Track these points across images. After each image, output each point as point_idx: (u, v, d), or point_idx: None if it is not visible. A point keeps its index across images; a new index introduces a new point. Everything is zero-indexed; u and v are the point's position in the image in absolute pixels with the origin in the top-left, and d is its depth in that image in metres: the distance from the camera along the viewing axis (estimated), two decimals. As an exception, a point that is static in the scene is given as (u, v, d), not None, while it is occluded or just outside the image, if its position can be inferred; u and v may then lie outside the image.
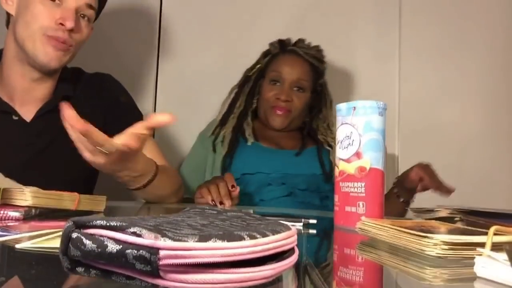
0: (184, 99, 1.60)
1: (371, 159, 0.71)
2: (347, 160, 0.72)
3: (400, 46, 1.61)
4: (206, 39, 1.61)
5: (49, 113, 1.10)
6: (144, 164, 0.98)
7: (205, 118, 1.56)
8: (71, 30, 1.05)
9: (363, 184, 0.71)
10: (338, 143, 0.74)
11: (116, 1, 1.58)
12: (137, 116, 1.26)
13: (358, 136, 0.71)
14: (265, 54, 1.53)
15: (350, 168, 0.71)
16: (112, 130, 1.02)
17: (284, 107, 1.45)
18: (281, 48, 1.51)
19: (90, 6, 1.09)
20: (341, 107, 0.74)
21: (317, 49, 1.53)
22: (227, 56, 1.61)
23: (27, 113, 1.10)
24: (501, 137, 1.58)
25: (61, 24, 1.04)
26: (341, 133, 0.73)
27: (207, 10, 1.63)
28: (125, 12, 1.60)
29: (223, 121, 1.49)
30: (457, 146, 1.56)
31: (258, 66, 1.52)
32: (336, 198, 0.74)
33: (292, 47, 1.50)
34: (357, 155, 0.71)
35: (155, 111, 1.59)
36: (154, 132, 1.55)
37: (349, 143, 0.72)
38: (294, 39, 1.52)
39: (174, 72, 1.61)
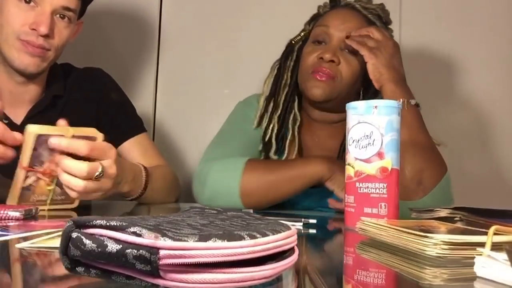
0: (184, 99, 1.60)
1: (392, 160, 0.70)
2: (367, 160, 0.71)
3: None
4: (206, 38, 1.61)
5: (39, 114, 1.08)
6: (131, 183, 0.95)
7: (205, 118, 1.56)
8: (46, 35, 1.00)
9: (385, 185, 0.70)
10: (352, 142, 0.72)
11: (116, 1, 1.58)
12: (129, 110, 1.25)
13: (380, 136, 0.70)
14: (313, 17, 1.22)
15: (371, 168, 0.70)
16: (104, 125, 1.02)
17: (326, 71, 1.07)
18: (332, 5, 1.19)
19: (67, 9, 1.03)
20: (358, 105, 0.73)
21: (382, 7, 1.18)
22: (228, 56, 1.61)
23: (17, 115, 1.08)
24: (502, 134, 1.57)
25: (35, 29, 0.99)
26: (357, 132, 0.72)
27: (207, 10, 1.63)
28: (125, 12, 1.60)
29: (266, 112, 1.17)
30: (457, 145, 1.56)
31: (303, 32, 1.22)
32: (350, 199, 0.72)
33: (347, 1, 1.18)
34: (379, 155, 0.70)
35: (155, 111, 1.59)
36: (154, 131, 1.55)
37: (369, 143, 0.71)
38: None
39: (174, 72, 1.61)
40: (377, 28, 1.07)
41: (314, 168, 0.99)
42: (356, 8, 1.15)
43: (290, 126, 1.16)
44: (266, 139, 1.15)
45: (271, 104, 1.18)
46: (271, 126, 1.15)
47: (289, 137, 1.15)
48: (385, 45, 1.04)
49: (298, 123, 1.17)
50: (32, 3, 1.00)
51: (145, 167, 1.02)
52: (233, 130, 1.18)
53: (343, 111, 1.13)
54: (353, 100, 1.04)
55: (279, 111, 1.17)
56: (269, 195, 0.99)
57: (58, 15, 1.03)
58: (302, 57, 1.15)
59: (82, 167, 0.77)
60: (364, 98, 1.12)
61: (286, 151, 1.13)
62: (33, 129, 0.78)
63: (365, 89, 1.13)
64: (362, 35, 1.06)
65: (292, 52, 1.20)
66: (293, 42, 1.22)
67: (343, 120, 1.14)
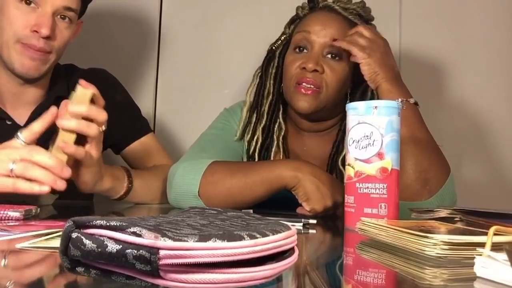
0: (184, 99, 1.60)
1: (392, 160, 0.70)
2: (367, 161, 0.70)
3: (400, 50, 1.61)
4: (206, 38, 1.61)
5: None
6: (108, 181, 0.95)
7: (205, 118, 1.56)
8: (47, 37, 0.99)
9: (385, 186, 0.70)
10: (353, 142, 0.72)
11: (116, 1, 1.58)
12: (134, 111, 1.25)
13: (380, 136, 0.70)
14: (292, 20, 1.19)
15: (371, 169, 0.70)
16: (109, 127, 1.02)
17: (310, 81, 1.03)
18: (311, 7, 1.15)
19: (69, 9, 1.02)
20: (358, 106, 0.72)
21: (363, 5, 1.13)
22: (228, 56, 1.61)
23: (21, 117, 1.07)
24: (502, 134, 1.57)
25: (36, 31, 0.98)
26: (357, 132, 0.72)
27: (208, 9, 1.63)
28: (125, 12, 1.60)
29: (249, 123, 1.14)
30: (457, 145, 1.56)
31: (284, 36, 1.18)
32: (350, 199, 0.72)
33: (326, 2, 1.13)
34: (379, 155, 0.70)
35: (155, 111, 1.59)
36: (154, 131, 1.55)
37: (369, 143, 0.70)
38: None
39: (174, 72, 1.61)
40: (365, 27, 1.04)
41: (278, 174, 0.92)
42: (336, 10, 1.10)
43: (275, 136, 1.12)
44: (251, 151, 1.12)
45: (255, 115, 1.14)
46: (255, 137, 1.12)
47: (274, 147, 1.12)
48: (377, 43, 1.00)
49: (283, 133, 1.13)
50: (32, 5, 0.99)
51: (123, 167, 1.04)
52: (212, 137, 1.15)
53: (332, 118, 1.13)
54: (341, 105, 1.05)
55: (263, 122, 1.13)
56: (229, 200, 0.93)
57: (59, 16, 1.02)
58: (284, 66, 1.11)
59: (102, 111, 0.84)
60: (351, 101, 1.06)
61: None
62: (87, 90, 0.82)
63: (352, 90, 1.11)
64: (352, 34, 1.02)
65: (274, 59, 1.16)
66: (273, 47, 1.18)
67: (332, 127, 1.15)
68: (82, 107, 0.79)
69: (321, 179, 0.91)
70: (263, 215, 0.52)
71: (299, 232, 0.54)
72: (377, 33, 1.04)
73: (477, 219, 0.71)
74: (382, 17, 1.24)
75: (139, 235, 0.33)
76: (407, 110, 0.92)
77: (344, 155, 1.01)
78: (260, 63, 1.22)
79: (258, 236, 0.37)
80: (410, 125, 0.95)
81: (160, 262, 0.32)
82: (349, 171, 0.73)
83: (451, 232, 0.52)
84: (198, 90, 1.60)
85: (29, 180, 0.75)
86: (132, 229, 0.33)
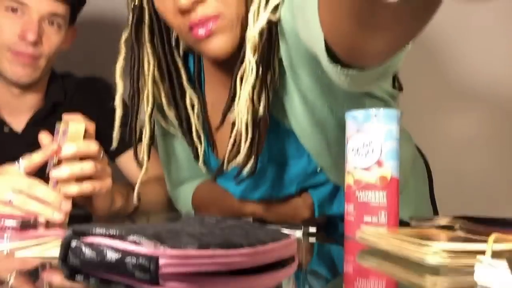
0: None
1: (392, 168, 0.71)
2: (366, 169, 0.71)
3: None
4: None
5: (40, 121, 1.08)
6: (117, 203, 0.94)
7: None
8: (35, 43, 1.00)
9: (384, 194, 0.70)
10: (352, 150, 0.72)
11: (116, 1, 1.59)
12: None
13: (379, 144, 0.71)
14: None
15: (370, 177, 0.70)
16: (104, 136, 1.04)
17: (203, 18, 0.74)
18: None
19: (55, 14, 1.03)
20: (357, 114, 0.73)
21: None
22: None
23: (18, 123, 1.09)
24: (502, 141, 1.57)
25: (24, 38, 0.99)
26: (357, 141, 0.72)
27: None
28: (124, 12, 1.60)
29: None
30: (456, 151, 1.56)
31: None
32: (350, 208, 0.72)
33: None
34: (378, 164, 0.70)
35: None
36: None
37: (368, 151, 0.71)
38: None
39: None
40: None
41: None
42: None
43: (189, 110, 0.90)
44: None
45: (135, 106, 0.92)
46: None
47: (193, 124, 0.90)
48: None
49: (197, 107, 0.90)
50: (19, 12, 1.00)
51: (127, 183, 1.06)
52: (162, 155, 1.06)
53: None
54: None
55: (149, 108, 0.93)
56: None
57: (46, 22, 1.03)
58: (163, 16, 0.82)
59: (92, 144, 0.80)
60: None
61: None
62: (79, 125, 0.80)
63: None
64: None
65: (141, 12, 0.92)
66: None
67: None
68: (70, 147, 0.76)
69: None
70: (263, 224, 0.52)
71: (298, 241, 0.54)
72: None
73: (477, 226, 0.71)
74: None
75: (139, 244, 0.33)
76: None
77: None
78: None
79: (257, 244, 0.36)
80: None
81: (160, 271, 0.32)
82: (348, 179, 0.73)
83: (451, 240, 0.51)
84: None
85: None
86: (131, 238, 0.33)
